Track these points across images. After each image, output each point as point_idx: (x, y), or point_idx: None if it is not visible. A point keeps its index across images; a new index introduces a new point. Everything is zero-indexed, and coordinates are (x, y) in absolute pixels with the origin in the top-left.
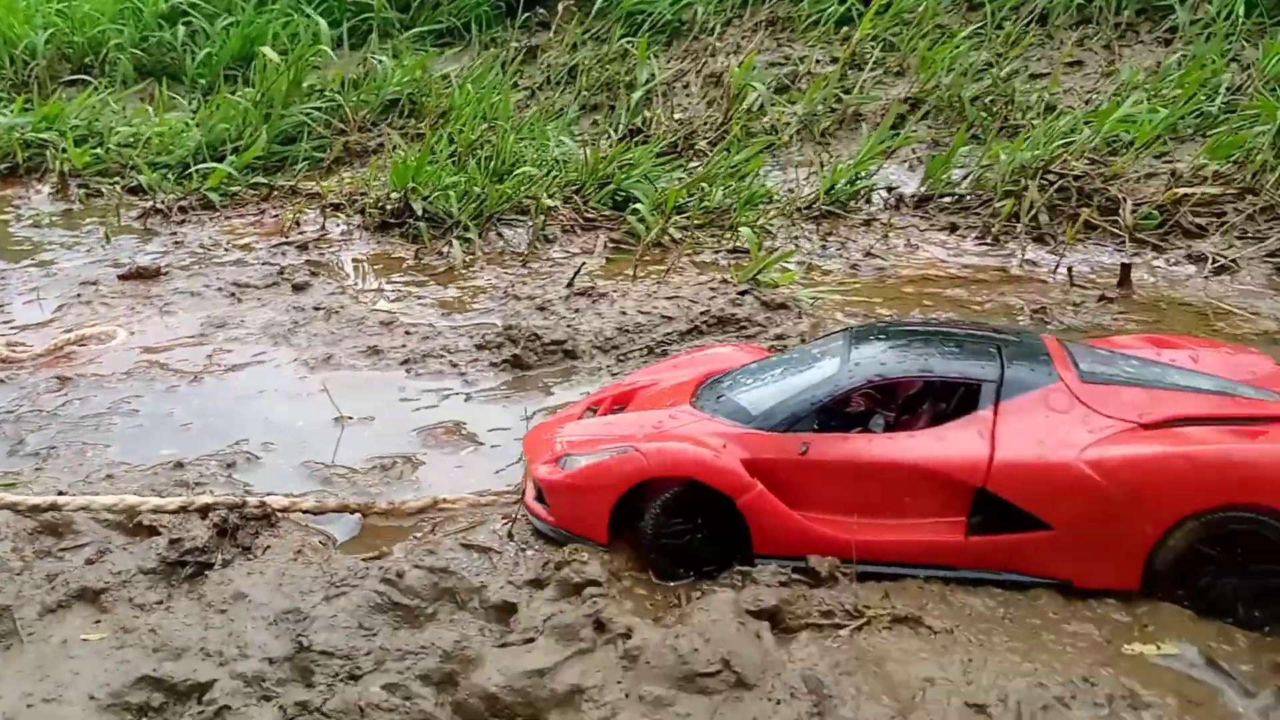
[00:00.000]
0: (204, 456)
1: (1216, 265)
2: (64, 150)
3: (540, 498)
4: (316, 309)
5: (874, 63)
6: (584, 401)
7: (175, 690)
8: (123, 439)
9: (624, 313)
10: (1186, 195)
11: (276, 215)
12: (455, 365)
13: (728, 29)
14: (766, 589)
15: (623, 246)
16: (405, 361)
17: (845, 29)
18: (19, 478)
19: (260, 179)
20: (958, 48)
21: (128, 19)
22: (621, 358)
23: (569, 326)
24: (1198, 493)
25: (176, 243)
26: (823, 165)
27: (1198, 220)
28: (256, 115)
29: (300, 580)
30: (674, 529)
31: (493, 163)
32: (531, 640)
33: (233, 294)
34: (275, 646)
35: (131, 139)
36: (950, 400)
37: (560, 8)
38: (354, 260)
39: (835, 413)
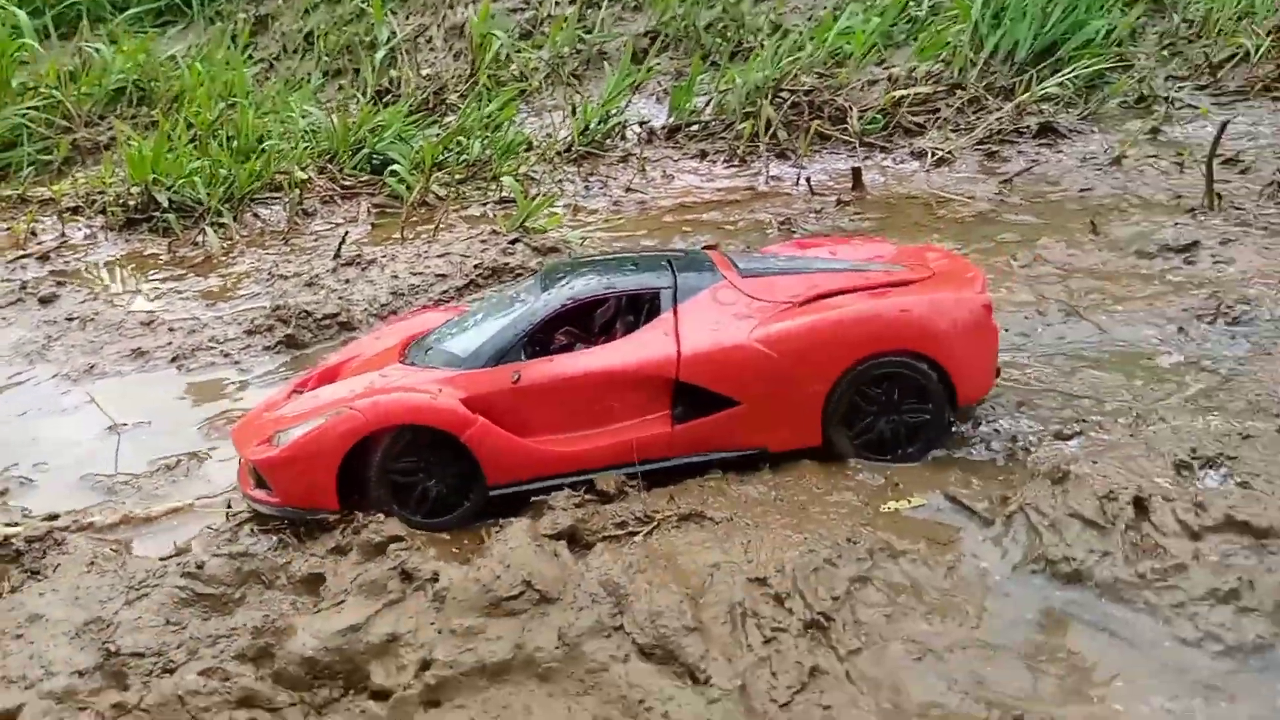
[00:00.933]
0: None
1: (936, 159)
2: None
3: (261, 483)
4: (69, 320)
5: (610, 0)
6: (289, 386)
7: None
8: None
9: (396, 276)
10: (904, 97)
11: (8, 228)
12: (228, 355)
13: None
14: (562, 512)
15: (387, 210)
16: (174, 359)
17: None
18: None
19: None
20: None
21: None
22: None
23: (340, 298)
24: (847, 348)
25: None
26: (574, 108)
27: (915, 120)
28: None
29: (97, 590)
30: (402, 479)
31: (236, 142)
32: (342, 602)
33: None
34: (81, 659)
35: None
36: (638, 314)
37: None
38: (104, 264)
39: (542, 344)
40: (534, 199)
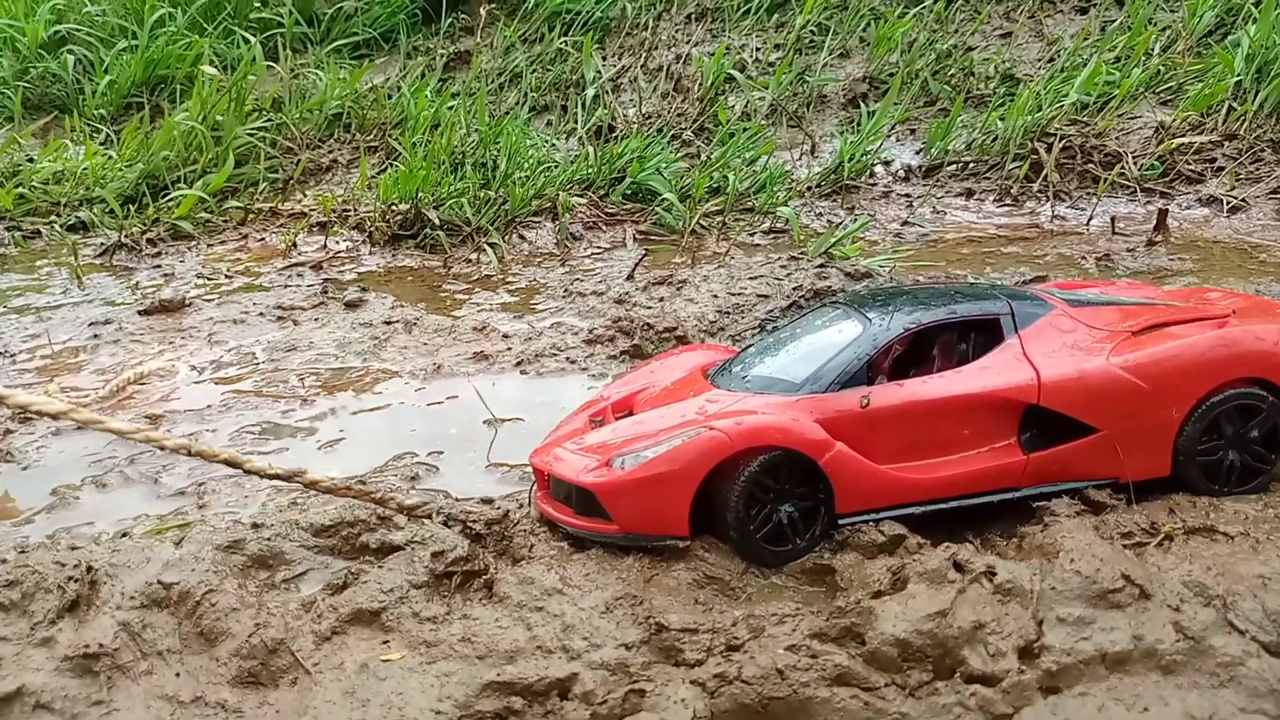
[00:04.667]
0: (378, 472)
1: (1230, 206)
2: None
3: (588, 509)
4: (388, 323)
5: (818, 47)
6: (582, 415)
7: (531, 691)
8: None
9: (715, 296)
10: (1183, 145)
11: (262, 239)
12: (573, 362)
13: (660, 23)
14: (1069, 520)
15: (651, 237)
16: (518, 363)
17: (776, 15)
18: (186, 515)
19: (228, 204)
20: (902, 28)
21: (3, 50)
22: (734, 337)
23: (670, 314)
24: (1207, 374)
25: (165, 275)
26: (814, 147)
27: (1192, 168)
28: (205, 139)
29: (605, 569)
30: (758, 506)
31: (503, 166)
32: (899, 589)
33: (280, 317)
34: (623, 633)
35: (55, 176)
36: (968, 340)
37: (482, 12)
38: (380, 274)
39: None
40: (837, 227)
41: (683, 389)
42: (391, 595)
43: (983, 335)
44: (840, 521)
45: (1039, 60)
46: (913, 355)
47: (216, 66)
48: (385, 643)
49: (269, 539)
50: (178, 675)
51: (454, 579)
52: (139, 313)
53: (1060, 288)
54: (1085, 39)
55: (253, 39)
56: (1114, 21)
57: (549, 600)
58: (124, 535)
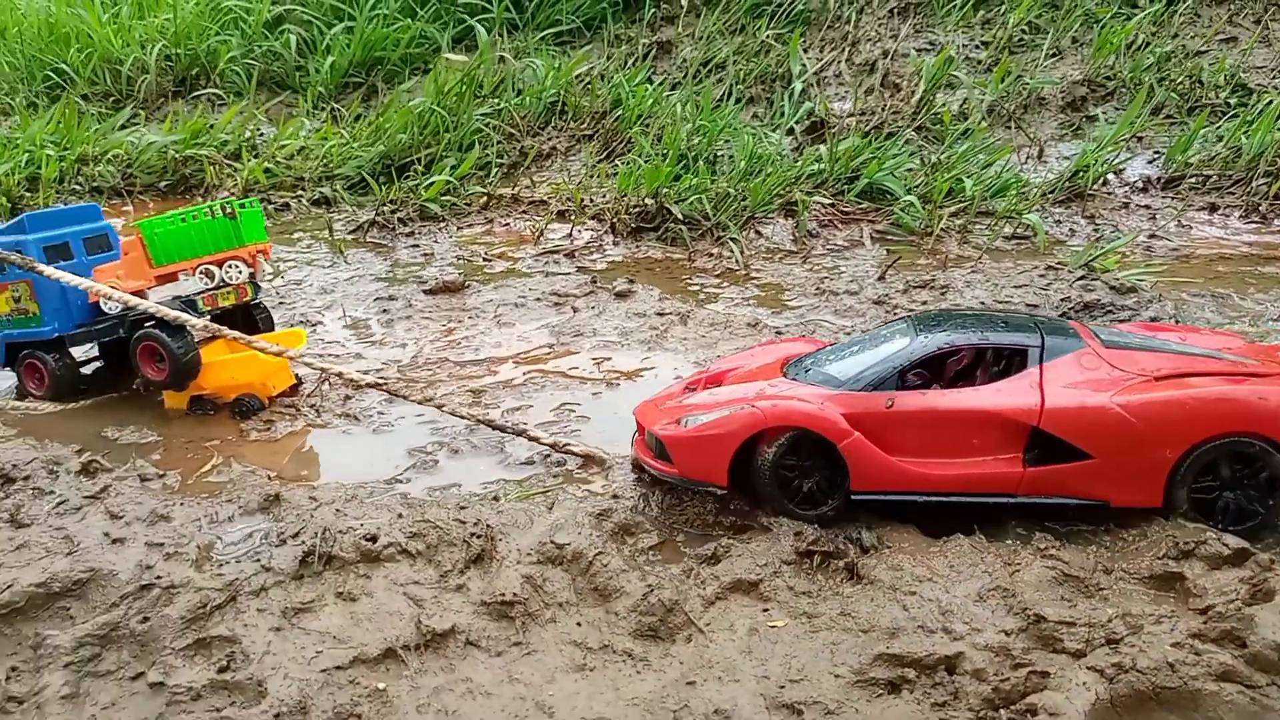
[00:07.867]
0: None
1: None
2: (225, 164)
3: (661, 454)
4: (660, 315)
5: (1027, 46)
6: (682, 383)
7: (921, 664)
8: (601, 442)
9: (982, 304)
10: None
11: (506, 224)
12: None
13: (862, 17)
14: None
15: (888, 237)
16: None
17: (982, 12)
18: (544, 483)
19: (471, 189)
20: (1125, 32)
21: (231, 29)
22: None
23: None
24: (1204, 424)
25: (425, 255)
26: (1041, 151)
27: None
28: (444, 122)
29: (968, 563)
30: (785, 473)
31: (741, 164)
32: (1266, 599)
33: (557, 303)
34: (1001, 620)
35: (296, 152)
36: (1001, 365)
37: (683, 1)
38: (628, 264)
39: (907, 379)
40: (1096, 241)
41: (760, 374)
42: (765, 569)
43: (1013, 361)
44: (854, 497)
45: (1268, 68)
46: (968, 369)
47: (455, 50)
48: (765, 610)
49: (630, 509)
50: (579, 625)
51: (814, 559)
52: (424, 292)
53: (1144, 330)
54: None
55: (481, 28)
56: None
57: (921, 586)
58: (495, 498)
